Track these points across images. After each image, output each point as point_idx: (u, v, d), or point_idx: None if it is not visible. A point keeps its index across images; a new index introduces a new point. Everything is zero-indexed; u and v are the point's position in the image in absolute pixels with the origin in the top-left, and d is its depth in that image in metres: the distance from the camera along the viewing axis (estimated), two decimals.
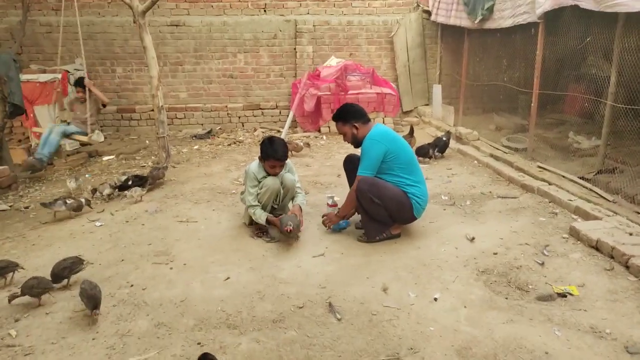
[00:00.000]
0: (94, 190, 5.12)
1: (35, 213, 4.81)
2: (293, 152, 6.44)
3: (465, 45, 7.77)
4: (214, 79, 8.91)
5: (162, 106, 6.34)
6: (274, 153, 3.91)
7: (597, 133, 5.30)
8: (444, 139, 6.54)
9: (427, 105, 9.42)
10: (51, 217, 4.61)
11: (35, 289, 2.98)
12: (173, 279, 3.38)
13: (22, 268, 3.39)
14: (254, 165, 4.09)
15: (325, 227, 4.09)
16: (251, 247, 3.88)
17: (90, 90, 6.92)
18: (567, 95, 6.25)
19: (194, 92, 8.93)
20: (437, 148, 6.39)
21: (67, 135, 6.83)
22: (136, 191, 4.96)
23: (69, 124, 7.02)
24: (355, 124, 3.85)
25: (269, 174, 4.03)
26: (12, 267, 3.31)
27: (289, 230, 3.72)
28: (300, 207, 4.11)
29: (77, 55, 8.28)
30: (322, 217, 4.17)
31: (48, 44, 8.37)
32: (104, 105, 7.37)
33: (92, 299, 2.80)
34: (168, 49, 8.65)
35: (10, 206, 5.02)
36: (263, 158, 3.98)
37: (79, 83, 6.98)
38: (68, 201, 4.55)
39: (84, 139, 6.99)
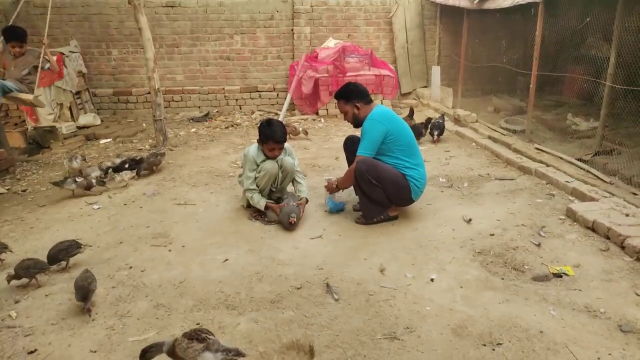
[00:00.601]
0: (80, 172, 5.08)
1: (33, 196, 4.81)
2: (291, 135, 6.42)
3: (465, 25, 7.70)
4: (210, 61, 8.83)
5: (158, 89, 6.31)
6: (272, 135, 3.89)
7: (596, 115, 5.29)
8: (441, 121, 6.51)
9: (425, 87, 9.37)
10: (49, 200, 4.62)
11: (32, 269, 3.00)
12: (172, 260, 3.40)
13: (10, 251, 3.39)
14: (253, 148, 4.08)
15: (327, 191, 4.13)
16: (249, 229, 3.89)
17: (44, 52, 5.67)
18: (566, 77, 6.22)
19: (190, 75, 8.86)
20: (437, 131, 6.35)
21: (5, 93, 5.33)
22: (126, 174, 4.91)
23: (3, 79, 5.46)
24: (357, 104, 3.83)
25: (268, 158, 4.02)
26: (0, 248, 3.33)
27: (292, 223, 3.77)
28: (306, 200, 4.14)
29: (71, 37, 8.19)
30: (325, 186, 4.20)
31: (43, 26, 8.25)
32: (48, 69, 5.94)
33: (79, 290, 2.74)
34: (164, 30, 8.55)
35: (7, 189, 5.01)
36: (262, 141, 3.96)
37: (16, 36, 5.52)
38: (78, 179, 4.61)
39: (28, 97, 5.49)
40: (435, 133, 6.35)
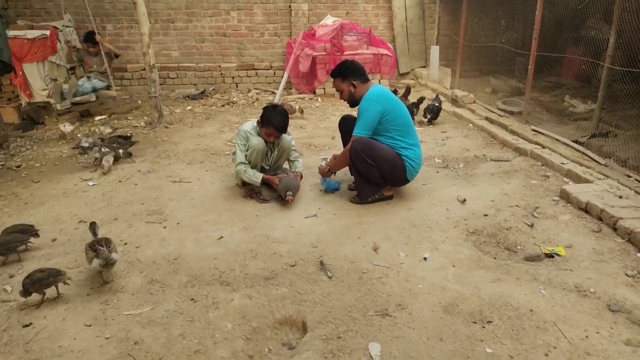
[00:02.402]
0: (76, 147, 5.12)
1: (27, 172, 4.79)
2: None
3: (464, 4, 7.59)
4: (206, 37, 8.71)
5: (153, 65, 6.23)
6: (275, 121, 3.84)
7: (593, 97, 5.27)
8: (436, 104, 6.37)
9: (424, 67, 9.30)
10: (44, 176, 4.60)
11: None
12: (166, 237, 3.41)
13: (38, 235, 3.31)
14: (248, 124, 4.06)
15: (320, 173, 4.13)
16: (244, 207, 3.90)
17: (102, 45, 7.04)
18: (564, 58, 6.17)
19: (186, 51, 8.75)
20: (430, 115, 6.25)
21: (94, 90, 7.13)
22: (108, 161, 4.67)
23: (89, 78, 7.20)
24: (354, 82, 3.79)
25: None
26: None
27: (289, 200, 3.79)
28: (301, 175, 4.16)
29: (65, 10, 8.04)
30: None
31: (38, 1, 8.11)
32: (117, 56, 7.44)
33: (23, 292, 2.61)
34: (159, 5, 8.41)
35: (1, 165, 4.99)
36: (263, 123, 3.92)
37: (90, 38, 7.08)
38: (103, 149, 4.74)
39: (113, 93, 7.23)
40: (429, 116, 6.24)
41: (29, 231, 3.22)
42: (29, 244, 3.22)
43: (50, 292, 2.67)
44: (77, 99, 6.98)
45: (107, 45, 7.21)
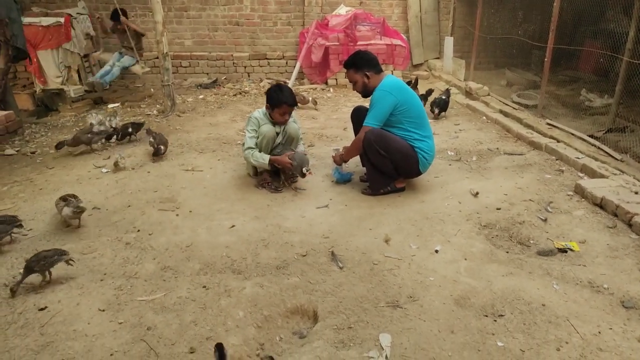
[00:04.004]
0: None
1: (42, 158, 4.84)
2: (299, 104, 6.35)
3: None
4: (219, 26, 8.69)
5: (166, 53, 6.24)
6: (285, 98, 3.86)
7: (610, 91, 5.18)
8: (444, 97, 6.24)
9: (438, 58, 9.21)
10: (58, 163, 4.66)
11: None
12: (179, 225, 3.43)
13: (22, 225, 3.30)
14: (258, 112, 4.07)
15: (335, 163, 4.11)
16: (256, 197, 3.91)
17: (126, 25, 6.92)
18: (582, 51, 6.07)
19: (199, 40, 8.74)
20: (438, 108, 6.10)
21: (125, 68, 7.21)
22: (122, 158, 4.53)
23: (121, 54, 7.24)
24: (367, 73, 3.76)
25: (272, 123, 4.00)
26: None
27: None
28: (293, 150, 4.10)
29: None
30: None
31: None
32: (142, 35, 7.36)
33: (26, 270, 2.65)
34: None
35: (17, 151, 5.05)
36: (273, 105, 3.90)
37: (115, 16, 6.99)
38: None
39: (140, 70, 7.28)
40: (437, 110, 6.11)
41: (12, 222, 3.16)
42: (13, 235, 3.20)
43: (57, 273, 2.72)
44: (108, 82, 7.12)
45: (132, 25, 7.11)
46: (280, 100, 3.85)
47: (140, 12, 8.44)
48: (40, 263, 2.63)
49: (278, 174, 4.09)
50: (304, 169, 3.85)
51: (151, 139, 4.80)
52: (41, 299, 2.59)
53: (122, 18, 6.88)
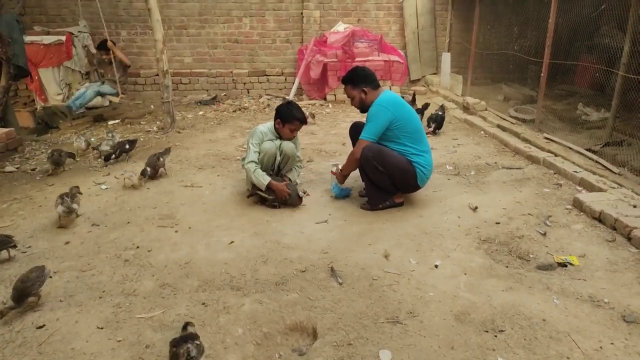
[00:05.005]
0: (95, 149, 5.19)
1: (42, 175, 4.85)
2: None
3: (477, 12, 7.58)
4: (219, 44, 8.79)
5: (166, 70, 6.30)
6: (297, 114, 3.97)
7: (607, 105, 5.22)
8: (440, 113, 6.25)
9: (435, 74, 9.29)
10: (58, 180, 4.67)
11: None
12: (178, 241, 3.43)
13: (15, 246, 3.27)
14: (263, 126, 4.13)
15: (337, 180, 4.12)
16: (255, 213, 3.91)
17: (113, 51, 6.97)
18: (578, 66, 6.13)
19: (198, 57, 8.84)
20: (434, 124, 6.14)
21: (101, 95, 7.12)
22: (132, 176, 4.45)
23: (103, 83, 7.23)
24: (365, 89, 3.80)
25: (280, 138, 4.07)
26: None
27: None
28: (289, 179, 4.14)
29: (80, 17, 8.16)
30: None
31: (52, 5, 8.26)
32: (128, 66, 7.41)
33: (15, 291, 2.58)
34: (172, 12, 8.51)
35: (17, 168, 5.06)
36: (284, 121, 3.98)
37: (102, 46, 7.03)
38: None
39: (116, 99, 7.15)
40: (433, 126, 6.13)
41: (6, 242, 3.14)
42: (11, 253, 3.18)
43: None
44: (82, 106, 6.96)
45: (119, 53, 7.17)
46: (293, 116, 3.94)
47: (140, 30, 8.55)
48: (36, 285, 2.60)
49: (265, 200, 4.03)
50: (300, 193, 3.96)
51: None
52: (39, 317, 2.57)
53: (109, 43, 6.90)
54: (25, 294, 2.57)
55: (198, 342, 2.14)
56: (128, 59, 7.51)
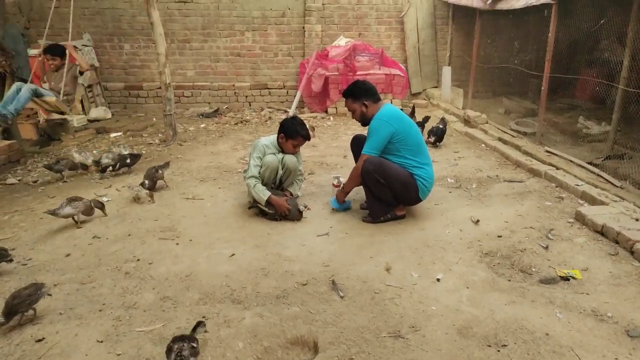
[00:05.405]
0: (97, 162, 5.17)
1: (44, 187, 4.86)
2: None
3: (477, 26, 7.64)
4: (221, 57, 8.86)
5: (169, 84, 6.34)
6: (301, 131, 4.01)
7: (608, 119, 5.23)
8: (441, 126, 6.27)
9: (436, 87, 9.33)
10: (59, 192, 4.67)
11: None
12: (179, 254, 3.42)
13: (11, 260, 3.21)
14: (265, 139, 4.15)
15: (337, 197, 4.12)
16: (256, 225, 3.90)
17: (71, 55, 6.18)
18: (578, 80, 6.16)
19: (201, 70, 8.89)
20: (434, 137, 6.15)
21: (37, 95, 5.92)
22: (140, 191, 4.39)
23: (49, 86, 6.35)
24: (366, 102, 3.82)
25: (282, 152, 4.09)
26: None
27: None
28: (291, 194, 4.17)
29: (84, 30, 8.26)
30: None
31: (56, 19, 8.33)
32: (81, 73, 6.71)
33: (5, 307, 2.55)
34: (176, 25, 8.59)
35: (19, 180, 5.07)
36: (288, 136, 4.01)
37: (50, 50, 6.15)
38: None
39: (52, 99, 6.01)
40: (433, 139, 6.15)
41: (2, 257, 3.11)
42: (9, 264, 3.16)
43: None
44: (18, 112, 5.78)
45: (79, 58, 6.28)
46: (297, 132, 3.99)
47: (143, 43, 8.61)
48: (25, 303, 2.57)
49: (265, 213, 4.03)
50: (300, 207, 3.97)
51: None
52: (39, 330, 2.56)
53: (71, 47, 6.11)
54: (13, 311, 2.54)
55: (194, 345, 2.22)
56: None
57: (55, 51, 6.07)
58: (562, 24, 5.53)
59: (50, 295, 2.76)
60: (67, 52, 6.12)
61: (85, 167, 5.18)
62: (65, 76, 6.15)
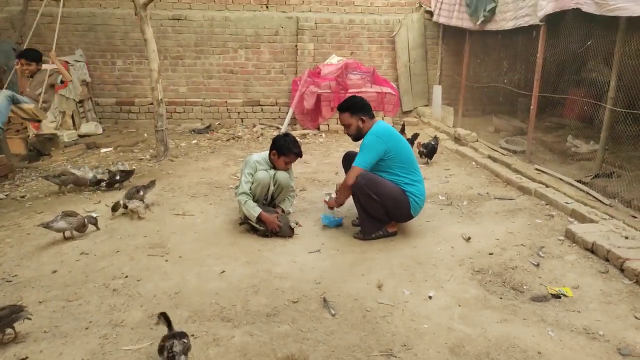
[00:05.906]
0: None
1: (32, 203, 4.79)
2: None
3: (467, 46, 7.77)
4: (214, 74, 8.90)
5: (161, 100, 6.34)
6: (294, 148, 4.02)
7: (596, 137, 5.31)
8: (432, 143, 6.32)
9: (426, 105, 9.43)
10: (47, 207, 4.61)
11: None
12: (168, 271, 3.37)
13: None
14: (256, 155, 4.14)
15: (329, 207, 4.09)
16: (247, 242, 3.87)
17: (53, 61, 5.75)
18: (566, 99, 6.25)
19: (193, 87, 8.92)
20: (426, 151, 6.20)
21: (14, 102, 5.33)
22: (134, 203, 4.34)
23: (21, 93, 5.65)
24: (363, 117, 3.84)
25: (274, 168, 4.09)
26: None
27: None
28: (282, 210, 4.15)
29: (77, 46, 8.27)
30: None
31: (49, 35, 8.32)
32: (62, 82, 6.35)
33: None
34: (169, 42, 8.63)
35: (6, 195, 5.00)
36: (281, 153, 4.01)
37: (25, 54, 5.59)
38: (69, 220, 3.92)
39: (30, 106, 5.42)
40: (424, 155, 6.20)
41: None
42: None
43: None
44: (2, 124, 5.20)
45: (60, 67, 5.85)
46: (289, 150, 4.00)
47: (135, 60, 8.64)
48: None
49: (256, 230, 3.99)
50: (291, 224, 3.97)
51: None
52: (22, 348, 2.49)
53: (51, 52, 5.73)
54: None
55: (185, 341, 2.29)
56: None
57: (31, 56, 5.61)
58: (550, 45, 5.64)
59: (30, 319, 2.64)
60: (42, 57, 5.73)
61: (97, 182, 5.12)
62: (46, 83, 5.66)
